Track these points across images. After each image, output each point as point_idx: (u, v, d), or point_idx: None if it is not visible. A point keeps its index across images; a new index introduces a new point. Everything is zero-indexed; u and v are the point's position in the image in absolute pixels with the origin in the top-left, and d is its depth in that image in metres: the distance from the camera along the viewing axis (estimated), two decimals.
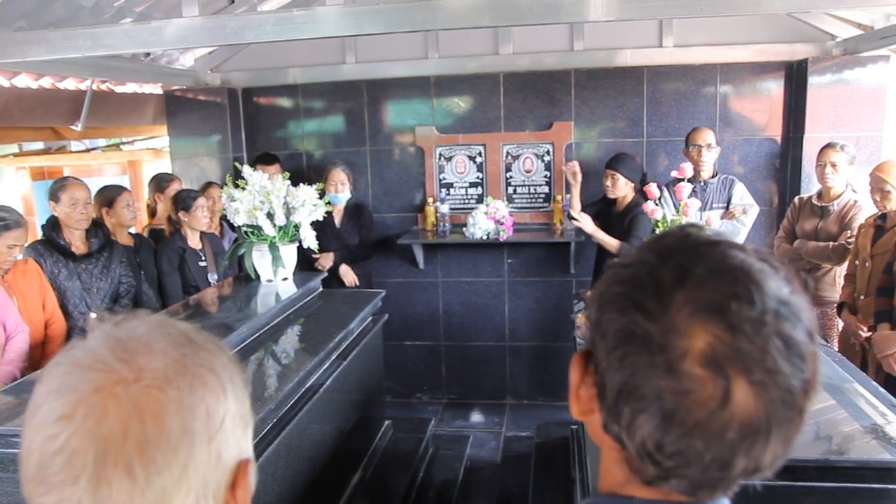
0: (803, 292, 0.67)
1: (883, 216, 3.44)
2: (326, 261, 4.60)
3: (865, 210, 3.70)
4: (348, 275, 4.65)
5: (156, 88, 5.29)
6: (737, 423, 0.61)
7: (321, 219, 3.57)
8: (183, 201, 3.98)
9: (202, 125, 5.21)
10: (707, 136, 4.15)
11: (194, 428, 0.63)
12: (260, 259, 3.48)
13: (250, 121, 5.32)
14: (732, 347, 0.61)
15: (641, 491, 0.70)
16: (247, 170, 3.48)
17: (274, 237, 3.44)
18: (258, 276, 3.54)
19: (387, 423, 3.97)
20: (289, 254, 3.52)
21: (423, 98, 5.07)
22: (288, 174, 3.58)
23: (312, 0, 4.34)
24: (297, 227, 3.49)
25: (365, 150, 5.18)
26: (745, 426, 0.62)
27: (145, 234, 4.39)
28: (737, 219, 4.04)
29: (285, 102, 5.28)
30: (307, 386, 2.71)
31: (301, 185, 3.50)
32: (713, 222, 3.32)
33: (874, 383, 2.38)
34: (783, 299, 0.63)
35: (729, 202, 4.12)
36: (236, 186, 3.42)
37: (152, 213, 4.68)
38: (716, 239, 0.68)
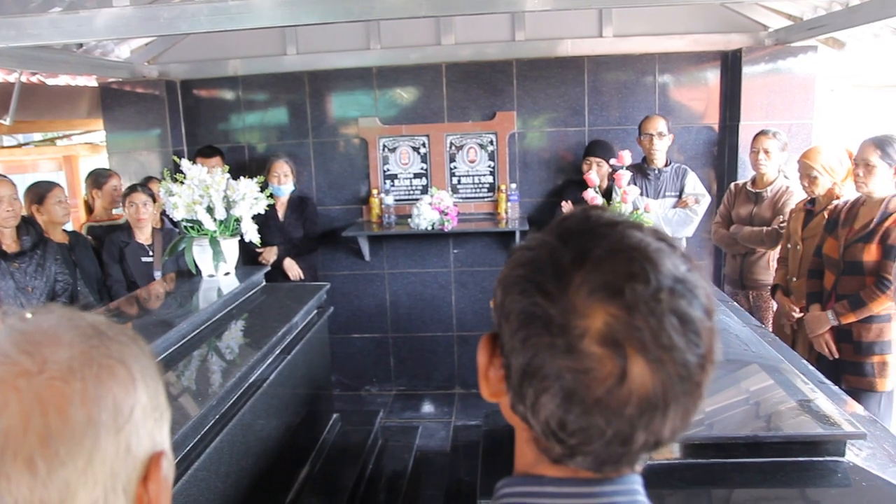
0: (700, 271, 0.68)
1: (812, 201, 3.55)
2: (270, 255, 4.55)
3: (797, 195, 3.82)
4: (293, 269, 4.61)
5: (90, 81, 5.13)
6: (635, 399, 0.63)
7: (263, 212, 3.52)
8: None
9: (140, 119, 5.09)
10: (659, 125, 4.22)
11: (100, 419, 0.62)
12: (201, 254, 3.42)
13: (190, 114, 5.21)
14: (629, 325, 0.62)
15: (551, 469, 0.71)
16: (185, 163, 3.41)
17: (214, 231, 3.38)
18: (199, 272, 3.48)
19: (335, 416, 3.95)
20: (230, 248, 3.46)
21: (366, 89, 5.04)
22: (227, 167, 3.53)
23: None
24: (238, 220, 3.44)
25: (308, 142, 5.13)
26: (644, 401, 0.63)
27: (84, 231, 4.28)
28: (690, 208, 4.13)
29: (226, 95, 5.19)
30: (250, 381, 2.68)
31: (241, 178, 3.45)
32: (652, 209, 3.38)
33: (804, 361, 2.47)
34: (679, 277, 0.65)
35: (682, 191, 4.21)
36: (174, 181, 3.36)
37: (90, 209, 4.56)
38: (615, 220, 0.69)
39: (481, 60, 4.91)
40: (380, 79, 5.01)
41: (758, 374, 1.98)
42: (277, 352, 3.00)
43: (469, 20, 4.80)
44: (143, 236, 4.04)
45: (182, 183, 3.32)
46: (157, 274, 4.00)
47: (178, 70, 5.13)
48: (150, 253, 4.01)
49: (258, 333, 3.02)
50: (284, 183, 4.57)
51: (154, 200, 4.11)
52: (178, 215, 3.33)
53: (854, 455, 1.65)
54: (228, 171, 3.48)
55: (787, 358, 2.25)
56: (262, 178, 3.53)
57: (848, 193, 3.43)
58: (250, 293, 3.52)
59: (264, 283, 3.75)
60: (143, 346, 0.71)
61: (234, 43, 5.01)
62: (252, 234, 3.48)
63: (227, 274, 3.51)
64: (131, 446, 0.64)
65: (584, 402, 0.63)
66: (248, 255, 4.54)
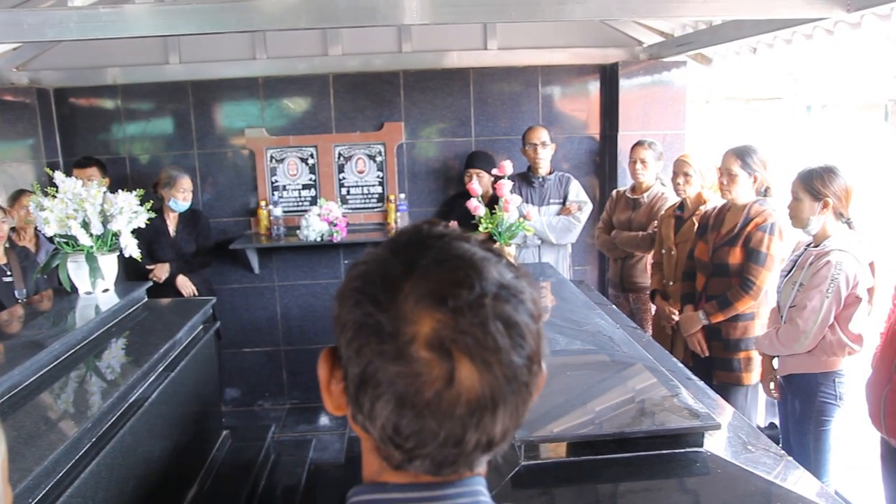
0: (528, 278, 0.73)
1: (681, 207, 3.76)
2: (161, 272, 4.41)
3: (672, 201, 4.03)
4: (186, 286, 4.49)
5: None
6: (464, 401, 0.66)
7: (153, 228, 3.41)
8: None
9: (9, 128, 4.82)
10: (541, 135, 4.37)
11: None
12: (76, 270, 3.28)
13: (66, 123, 4.98)
14: (455, 330, 0.65)
15: (394, 476, 0.74)
16: (58, 175, 3.26)
17: (91, 247, 3.25)
18: (75, 289, 3.33)
19: (224, 433, 3.86)
20: (108, 264, 3.34)
21: (252, 99, 4.97)
22: (106, 180, 3.40)
23: None
24: (116, 235, 3.32)
25: (193, 153, 5.00)
26: (473, 403, 0.66)
27: None
28: (573, 215, 4.29)
29: (104, 104, 4.99)
30: (130, 401, 2.59)
31: (119, 191, 3.33)
32: (533, 216, 3.50)
33: (674, 360, 2.61)
34: (504, 284, 0.69)
35: (565, 199, 4.36)
36: (45, 194, 3.20)
37: None
38: (443, 233, 0.73)
39: (369, 71, 4.94)
40: (266, 89, 4.95)
41: (627, 373, 2.09)
42: (160, 369, 2.90)
43: (356, 31, 4.81)
44: None
45: (54, 196, 3.18)
46: (22, 293, 3.79)
47: (51, 77, 4.90)
48: (9, 272, 3.79)
49: (139, 351, 2.92)
50: (188, 199, 4.47)
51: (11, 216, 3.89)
52: (49, 231, 3.18)
53: (712, 445, 1.76)
54: (109, 184, 3.36)
55: (656, 357, 2.37)
56: (141, 192, 3.42)
57: (714, 200, 3.65)
58: (131, 310, 3.39)
59: (146, 299, 3.63)
60: None
61: (111, 50, 4.83)
62: (132, 248, 3.36)
63: (105, 291, 3.38)
64: None
65: (416, 406, 0.66)
66: (139, 273, 4.39)
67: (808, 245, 2.94)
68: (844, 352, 2.83)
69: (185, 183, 4.47)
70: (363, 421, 0.71)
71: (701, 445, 1.71)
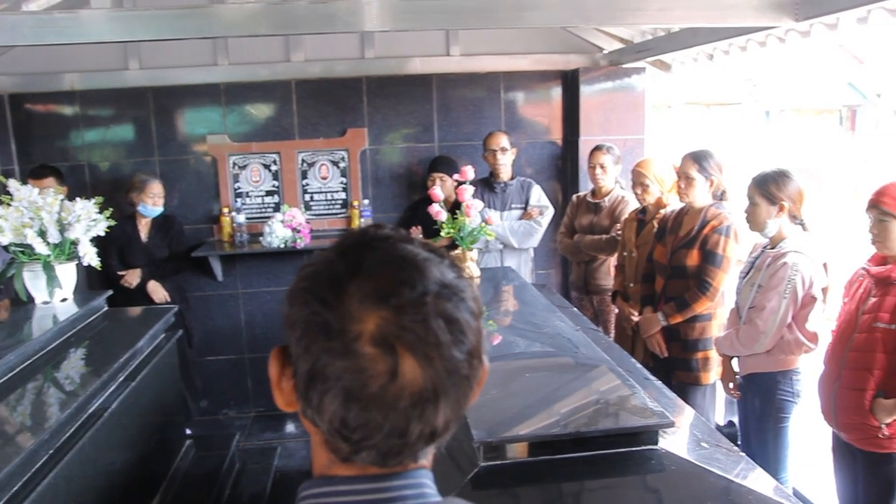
0: (469, 279, 0.77)
1: (643, 210, 3.82)
2: (132, 278, 4.39)
3: (632, 205, 4.09)
4: (157, 291, 4.45)
5: None
6: (408, 393, 0.69)
7: (104, 233, 3.37)
8: None
9: None
10: (501, 141, 4.41)
11: None
12: (33, 280, 3.22)
13: (22, 130, 4.89)
14: (398, 327, 0.69)
15: (342, 469, 0.77)
16: (13, 184, 3.21)
17: (48, 256, 3.20)
18: (32, 299, 3.28)
19: (188, 442, 3.82)
20: (66, 273, 3.29)
21: (214, 106, 4.94)
22: (63, 189, 3.36)
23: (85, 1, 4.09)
24: (74, 243, 3.28)
25: (154, 160, 4.95)
26: (416, 395, 0.70)
27: None
28: (534, 219, 4.33)
29: (63, 110, 4.91)
30: (89, 412, 2.55)
31: (77, 199, 3.29)
32: (494, 221, 3.53)
33: (632, 360, 2.66)
34: (445, 283, 0.73)
35: (527, 203, 4.40)
36: (0, 203, 3.15)
37: None
38: (389, 235, 0.77)
39: (331, 77, 4.93)
40: (228, 95, 4.92)
41: (586, 375, 2.12)
42: (120, 379, 2.87)
43: (318, 37, 4.80)
44: None
45: (9, 205, 3.13)
46: None
47: (5, 83, 4.81)
48: None
49: (98, 361, 2.88)
50: (158, 205, 4.43)
51: None
52: (4, 240, 3.12)
53: (668, 443, 1.80)
54: (68, 192, 3.31)
55: (615, 358, 2.41)
56: (100, 199, 3.38)
57: (674, 203, 3.71)
58: (91, 319, 3.35)
59: (106, 307, 3.59)
60: None
61: (69, 55, 4.74)
62: (91, 257, 3.32)
63: (63, 300, 3.33)
64: None
65: (362, 399, 0.69)
66: (110, 280, 4.34)
67: (765, 247, 3.01)
68: (801, 350, 2.90)
69: (155, 188, 4.44)
70: (312, 415, 0.74)
71: (656, 443, 1.74)
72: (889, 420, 2.47)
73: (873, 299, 2.53)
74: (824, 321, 2.97)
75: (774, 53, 3.94)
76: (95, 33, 2.63)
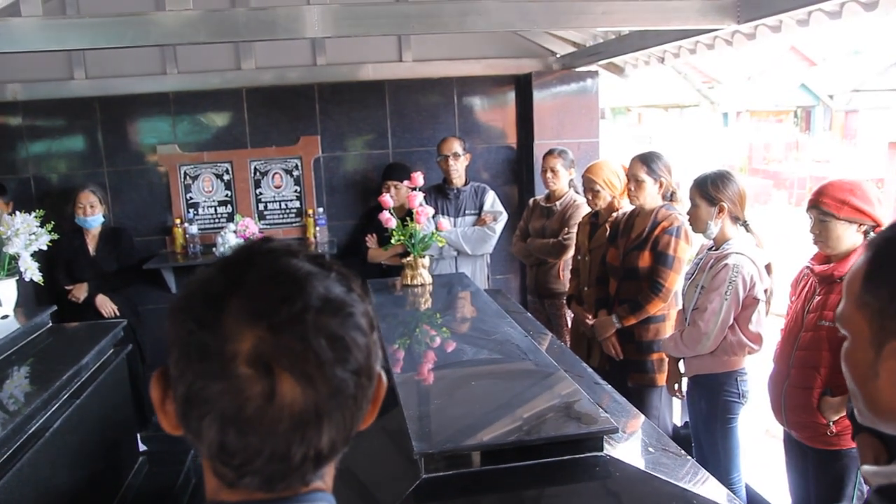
0: (360, 292, 0.73)
1: (596, 214, 3.83)
2: (79, 292, 4.29)
3: (585, 209, 4.09)
4: (105, 305, 4.35)
5: None
6: (287, 416, 0.67)
7: (44, 248, 3.29)
8: None
9: None
10: (454, 146, 4.39)
11: None
12: None
13: None
14: (275, 346, 0.66)
15: (228, 495, 0.73)
16: None
17: None
18: None
19: (141, 458, 3.74)
20: (6, 289, 3.20)
21: (164, 115, 4.85)
22: (5, 206, 3.27)
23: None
24: (14, 259, 3.19)
25: (103, 171, 4.85)
26: (296, 417, 0.67)
27: None
28: (488, 225, 4.32)
29: (5, 121, 4.78)
30: (30, 431, 2.48)
31: (17, 212, 3.20)
32: (445, 227, 3.51)
33: (584, 365, 2.65)
34: (329, 298, 0.70)
35: (481, 209, 4.39)
36: None
37: None
38: (273, 249, 0.74)
39: (283, 85, 4.88)
40: (178, 105, 4.84)
41: (531, 382, 2.11)
42: (65, 396, 2.79)
43: (269, 44, 4.76)
44: None
45: None
46: None
47: None
48: None
49: (40, 378, 2.79)
50: (91, 214, 4.32)
51: None
52: None
53: (615, 448, 1.79)
54: (12, 207, 3.22)
55: (565, 363, 2.41)
56: (41, 213, 3.30)
57: (626, 206, 3.72)
58: (34, 336, 3.25)
59: (51, 323, 3.49)
60: None
61: (11, 65, 4.62)
62: (32, 272, 3.23)
63: (4, 317, 3.24)
64: None
65: (239, 423, 0.67)
66: (57, 295, 4.22)
67: (710, 248, 3.04)
68: (745, 351, 2.92)
69: (84, 198, 4.32)
70: (193, 440, 0.71)
71: (601, 450, 1.73)
72: (836, 418, 2.50)
73: (818, 298, 2.56)
74: (770, 322, 2.99)
75: (723, 55, 4.01)
76: (27, 42, 2.55)
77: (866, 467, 1.03)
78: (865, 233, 2.45)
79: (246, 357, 0.66)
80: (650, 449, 1.93)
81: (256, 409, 0.66)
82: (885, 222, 2.43)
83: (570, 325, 4.15)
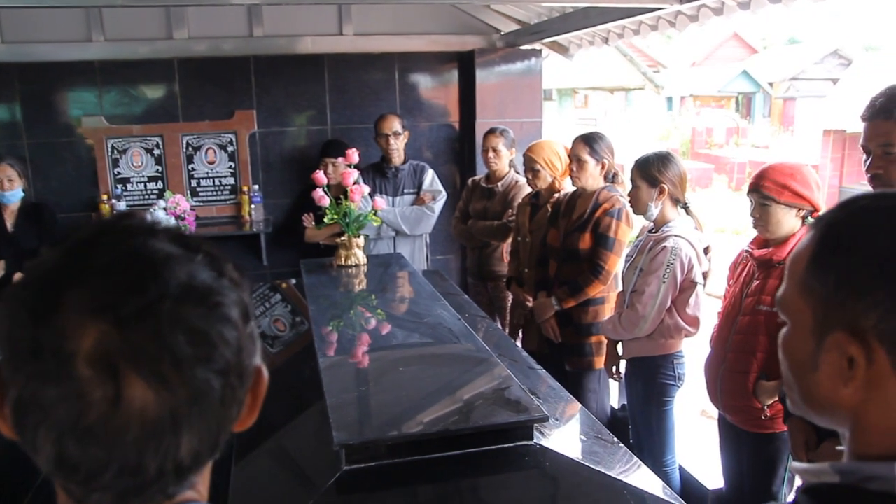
0: (234, 278, 0.64)
1: (536, 195, 3.77)
2: None
3: (526, 189, 4.03)
4: None
5: None
6: (136, 423, 0.57)
7: None
8: None
9: None
10: (393, 124, 4.26)
11: None
12: None
13: None
14: (122, 343, 0.56)
15: None
16: None
17: None
18: None
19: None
20: None
21: (89, 85, 4.60)
22: None
23: None
24: None
25: (22, 143, 4.58)
26: (148, 425, 0.58)
27: None
28: (426, 205, 4.22)
29: None
30: None
31: None
32: (381, 206, 3.41)
33: (518, 349, 2.59)
34: (192, 286, 0.60)
35: (420, 188, 4.28)
36: None
37: None
38: (126, 226, 0.64)
39: (217, 56, 4.68)
40: (104, 74, 4.60)
41: (462, 367, 2.04)
42: None
43: (203, 13, 4.55)
44: None
45: None
46: None
47: None
48: None
49: None
50: (9, 189, 4.07)
51: None
52: None
53: (544, 437, 1.73)
54: None
55: (500, 347, 2.34)
56: None
57: (568, 187, 3.67)
58: None
59: None
60: None
61: None
62: None
63: None
64: None
65: (79, 433, 0.57)
66: None
67: (650, 230, 3.01)
68: (681, 335, 2.91)
69: (1, 171, 4.06)
70: (30, 451, 0.60)
71: (531, 438, 1.67)
72: (771, 402, 2.50)
73: (756, 282, 2.54)
74: (707, 305, 2.99)
75: (668, 38, 3.97)
76: None
77: (795, 464, 0.97)
78: (804, 217, 2.44)
79: (86, 356, 0.56)
80: (583, 437, 1.88)
81: (99, 416, 0.56)
82: (824, 207, 2.42)
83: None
